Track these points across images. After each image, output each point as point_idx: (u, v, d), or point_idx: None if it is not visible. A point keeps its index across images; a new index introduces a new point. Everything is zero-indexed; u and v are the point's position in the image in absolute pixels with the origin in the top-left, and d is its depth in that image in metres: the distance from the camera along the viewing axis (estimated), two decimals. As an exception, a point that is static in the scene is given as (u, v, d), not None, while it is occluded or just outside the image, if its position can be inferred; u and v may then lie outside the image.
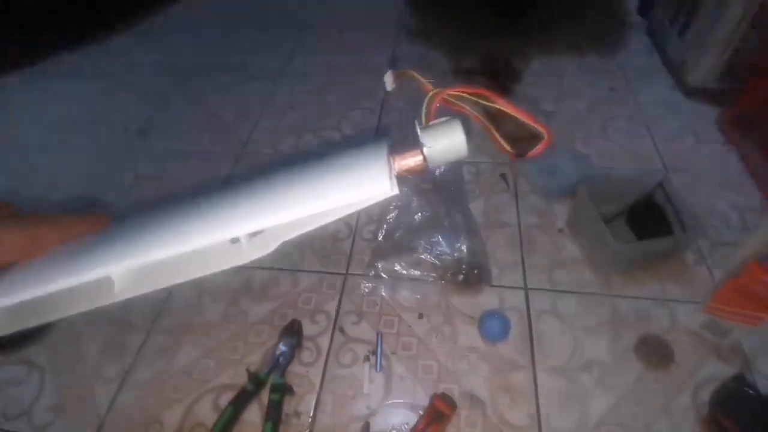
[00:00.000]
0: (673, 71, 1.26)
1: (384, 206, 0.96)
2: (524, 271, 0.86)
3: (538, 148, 0.42)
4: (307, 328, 0.80)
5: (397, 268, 0.85)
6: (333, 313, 0.82)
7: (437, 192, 0.95)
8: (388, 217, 0.91)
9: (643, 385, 0.71)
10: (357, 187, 0.40)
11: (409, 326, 0.80)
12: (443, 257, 0.84)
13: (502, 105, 0.42)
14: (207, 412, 0.72)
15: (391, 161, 0.41)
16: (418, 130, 0.42)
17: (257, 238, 0.43)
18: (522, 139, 0.45)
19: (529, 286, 0.83)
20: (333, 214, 0.42)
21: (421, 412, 0.68)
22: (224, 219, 0.40)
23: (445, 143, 0.41)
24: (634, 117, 1.15)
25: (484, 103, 0.42)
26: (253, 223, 0.40)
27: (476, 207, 0.97)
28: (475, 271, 0.83)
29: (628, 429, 0.67)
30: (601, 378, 0.72)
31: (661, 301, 0.80)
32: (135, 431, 0.71)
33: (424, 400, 0.71)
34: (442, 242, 0.85)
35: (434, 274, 0.83)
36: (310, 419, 0.70)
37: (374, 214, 0.97)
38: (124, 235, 0.42)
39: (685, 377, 0.71)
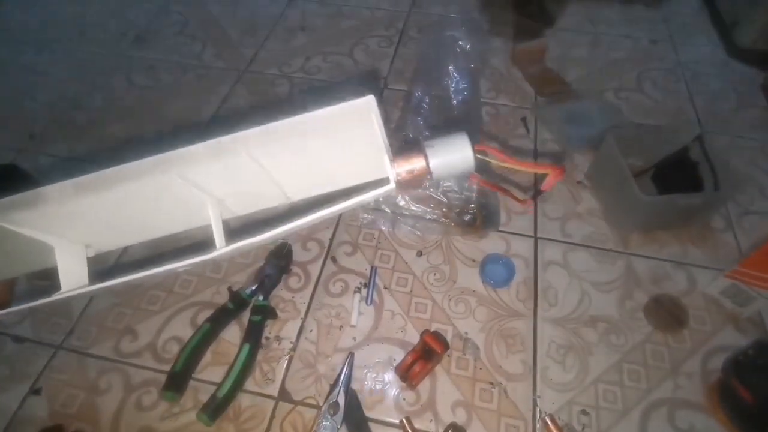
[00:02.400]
0: (721, 28, 1.15)
1: (390, 138, 0.88)
2: (536, 218, 0.79)
3: (548, 182, 0.38)
4: (298, 254, 0.75)
5: (400, 201, 0.78)
6: (326, 242, 0.77)
7: (450, 129, 0.87)
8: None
9: (650, 346, 0.66)
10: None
11: (406, 263, 0.74)
12: (450, 194, 0.77)
13: (506, 162, 0.38)
14: (184, 327, 0.68)
15: (392, 164, 0.36)
16: (424, 142, 0.36)
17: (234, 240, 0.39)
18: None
19: (539, 235, 0.77)
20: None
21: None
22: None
23: (452, 156, 0.35)
24: (674, 72, 1.05)
25: (490, 160, 0.38)
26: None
27: (491, 149, 0.89)
28: (483, 213, 0.77)
29: (627, 389, 0.62)
30: (606, 335, 0.67)
31: (681, 265, 0.74)
32: (107, 338, 0.67)
33: (414, 339, 0.66)
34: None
35: (438, 212, 0.77)
36: (291, 345, 0.66)
37: (380, 146, 0.90)
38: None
39: (696, 343, 0.66)
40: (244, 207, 0.43)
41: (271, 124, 0.36)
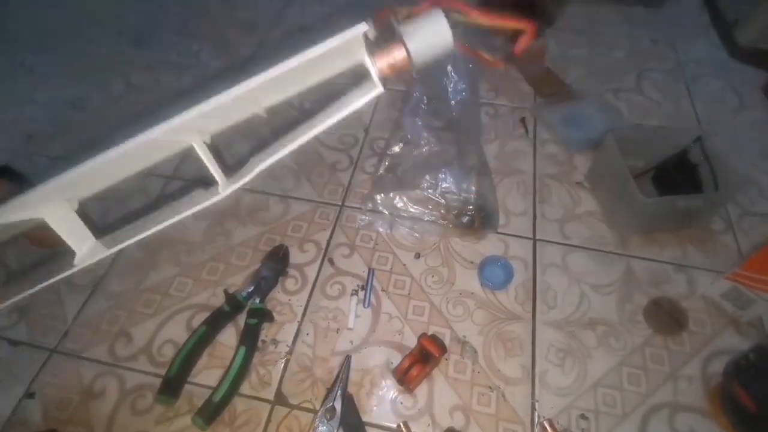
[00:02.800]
0: (721, 29, 1.14)
1: (388, 139, 0.88)
2: (534, 220, 0.79)
3: (522, 40, 0.36)
4: (295, 257, 0.74)
5: (398, 203, 0.78)
6: (323, 244, 0.76)
7: (450, 130, 0.87)
8: (393, 148, 0.83)
9: (650, 350, 0.65)
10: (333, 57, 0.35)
11: (404, 265, 0.74)
12: (448, 196, 0.77)
13: (476, 17, 0.36)
14: (179, 330, 0.67)
15: (372, 58, 0.35)
16: (397, 25, 0.36)
17: (234, 175, 0.38)
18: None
19: (538, 237, 0.77)
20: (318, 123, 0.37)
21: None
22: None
23: (428, 35, 0.34)
24: (674, 73, 1.05)
25: (460, 19, 0.37)
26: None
27: (490, 150, 0.89)
28: (482, 215, 0.76)
29: (627, 393, 0.62)
30: (605, 338, 0.66)
31: (681, 267, 0.73)
32: (102, 341, 0.66)
33: (411, 342, 0.65)
34: (450, 179, 0.77)
35: (436, 213, 0.77)
36: (288, 348, 0.65)
37: (378, 147, 0.90)
38: None
39: (696, 346, 0.66)
40: (220, 124, 0.42)
41: (257, 77, 0.35)
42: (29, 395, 0.62)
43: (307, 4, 1.23)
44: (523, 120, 0.95)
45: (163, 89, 1.03)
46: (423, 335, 0.63)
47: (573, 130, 0.92)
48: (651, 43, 1.13)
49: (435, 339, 0.62)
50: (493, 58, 0.40)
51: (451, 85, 0.87)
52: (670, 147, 0.79)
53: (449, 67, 0.85)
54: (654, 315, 0.68)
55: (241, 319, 0.66)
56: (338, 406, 0.58)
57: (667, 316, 0.67)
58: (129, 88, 1.03)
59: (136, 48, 1.12)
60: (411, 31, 0.34)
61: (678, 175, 0.78)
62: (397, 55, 0.35)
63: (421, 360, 0.60)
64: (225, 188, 0.38)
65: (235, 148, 0.86)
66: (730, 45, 1.10)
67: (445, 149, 0.82)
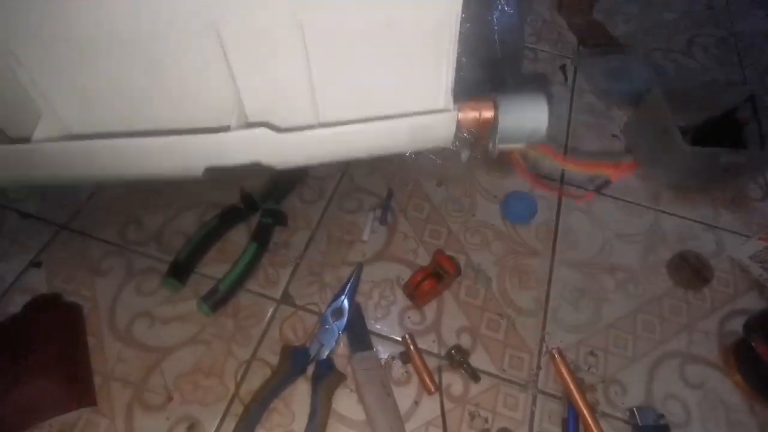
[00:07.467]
0: (784, 4, 1.08)
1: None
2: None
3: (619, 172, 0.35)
4: (313, 169, 0.72)
5: (426, 129, 0.75)
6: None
7: (489, 65, 0.83)
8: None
9: (668, 300, 0.63)
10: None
11: (425, 190, 0.71)
12: (480, 126, 0.74)
13: (564, 164, 0.35)
14: (190, 224, 0.66)
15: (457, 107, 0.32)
16: (498, 96, 0.33)
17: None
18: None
19: (566, 180, 0.74)
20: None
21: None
22: None
23: (523, 112, 0.32)
24: (727, 41, 0.99)
25: (549, 162, 0.36)
26: None
27: (526, 92, 0.85)
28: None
29: (640, 338, 0.60)
30: (624, 284, 0.64)
31: (711, 228, 0.71)
32: (111, 223, 0.65)
33: (425, 262, 0.64)
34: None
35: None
36: (299, 253, 0.64)
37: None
38: None
39: (717, 303, 0.63)
40: (261, 113, 0.37)
41: None
42: (35, 264, 0.61)
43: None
44: (563, 68, 0.90)
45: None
46: (438, 251, 0.62)
47: (615, 83, 0.88)
48: (706, 8, 1.07)
49: (451, 258, 0.60)
50: (618, 166, 0.40)
51: (497, 16, 0.83)
52: (717, 107, 0.75)
53: (498, -8, 0.80)
54: (678, 268, 0.65)
55: (254, 221, 0.65)
56: (345, 309, 0.57)
57: (691, 270, 0.65)
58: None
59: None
60: (508, 99, 0.33)
61: (721, 136, 0.74)
62: (485, 113, 0.33)
63: (434, 276, 0.58)
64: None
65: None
66: (790, 20, 1.04)
67: (481, 81, 0.78)
